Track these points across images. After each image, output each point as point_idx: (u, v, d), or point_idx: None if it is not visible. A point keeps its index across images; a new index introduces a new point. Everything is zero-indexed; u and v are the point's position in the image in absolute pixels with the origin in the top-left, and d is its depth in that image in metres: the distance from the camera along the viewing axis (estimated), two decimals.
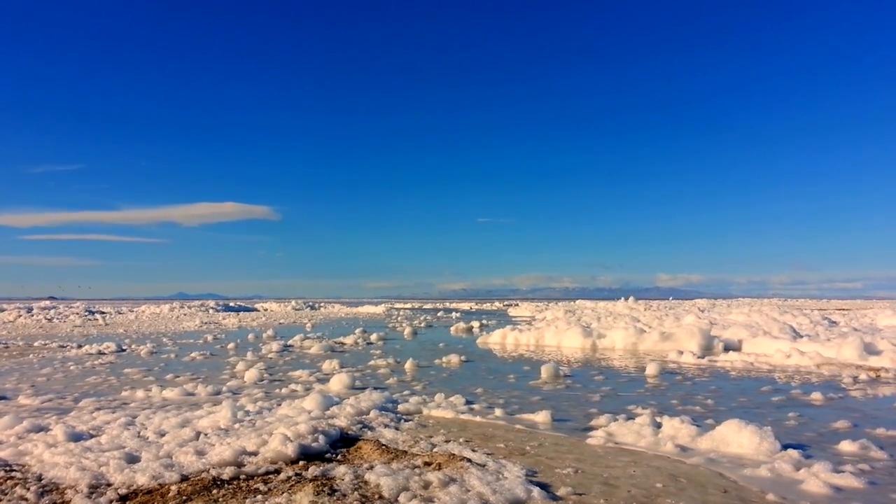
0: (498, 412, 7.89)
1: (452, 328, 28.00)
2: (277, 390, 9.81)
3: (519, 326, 22.03)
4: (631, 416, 7.34)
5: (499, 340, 19.76)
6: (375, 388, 9.48)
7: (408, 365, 12.62)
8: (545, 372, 11.30)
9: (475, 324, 29.42)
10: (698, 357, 14.41)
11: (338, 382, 9.80)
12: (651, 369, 11.70)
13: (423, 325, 32.98)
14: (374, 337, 21.26)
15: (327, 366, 12.76)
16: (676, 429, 6.41)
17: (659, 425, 6.67)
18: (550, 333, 19.42)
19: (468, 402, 8.52)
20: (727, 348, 15.71)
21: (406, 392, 9.58)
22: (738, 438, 5.96)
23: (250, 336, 22.16)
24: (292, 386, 10.14)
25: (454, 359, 13.88)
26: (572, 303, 72.14)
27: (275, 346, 16.96)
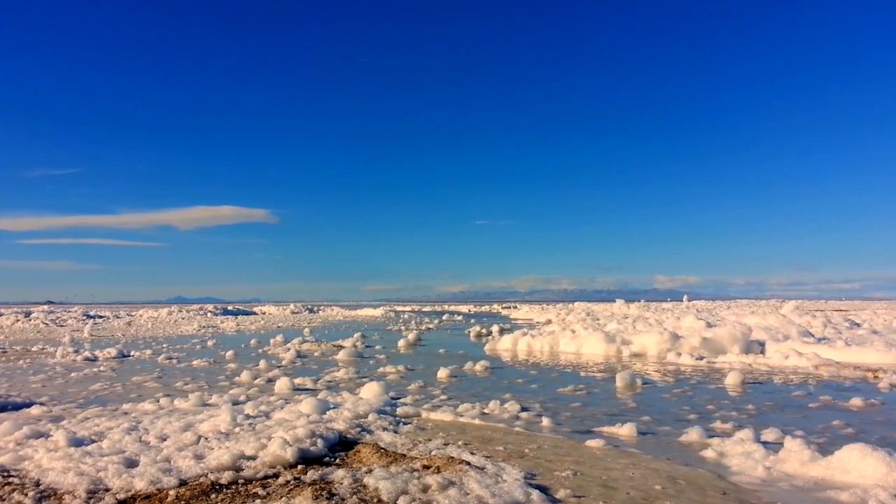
0: (564, 425, 7.40)
1: (472, 332, 26.26)
2: (299, 397, 9.25)
3: (531, 332, 20.42)
4: (715, 432, 6.91)
5: (509, 346, 18.44)
6: (413, 397, 9.27)
7: (441, 373, 12.00)
8: (620, 380, 10.66)
9: (495, 328, 27.24)
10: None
11: (369, 392, 9.22)
12: (732, 379, 10.90)
13: (424, 329, 32.08)
14: (397, 343, 20.72)
15: (342, 373, 12.30)
16: (788, 451, 5.59)
17: (768, 444, 6.12)
18: (566, 339, 17.99)
19: (523, 409, 8.21)
20: (761, 351, 15.17)
21: (449, 400, 9.10)
22: (860, 466, 5.09)
23: (253, 341, 21.63)
24: (322, 395, 9.30)
25: (479, 366, 13.26)
26: (570, 304, 72.08)
27: (286, 353, 16.26)
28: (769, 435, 6.59)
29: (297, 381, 11.19)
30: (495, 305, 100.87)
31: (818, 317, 25.14)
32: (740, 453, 5.83)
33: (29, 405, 8.73)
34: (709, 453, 5.96)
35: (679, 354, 15.02)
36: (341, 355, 16.06)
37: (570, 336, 18.24)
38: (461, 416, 7.85)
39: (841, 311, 42.90)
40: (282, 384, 10.39)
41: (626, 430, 6.96)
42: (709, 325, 18.92)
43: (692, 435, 6.66)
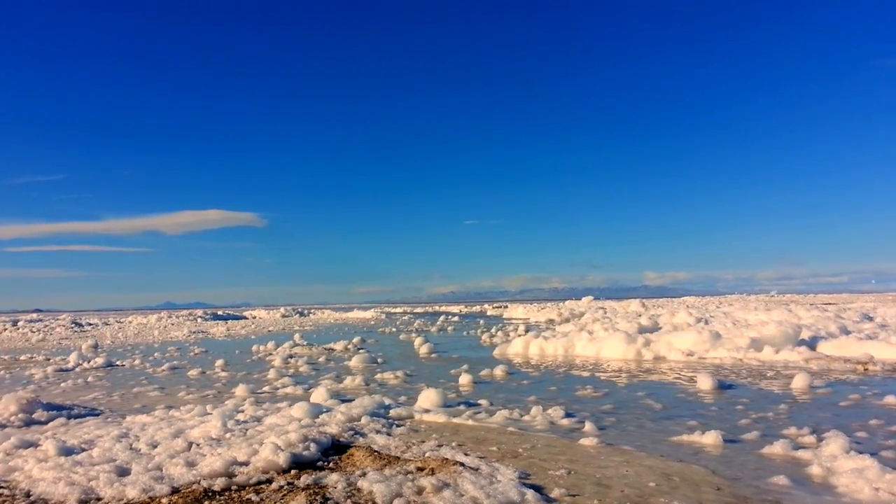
0: (628, 434, 6.81)
1: (485, 335, 24.19)
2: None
3: (544, 334, 18.94)
4: (797, 442, 6.21)
5: (520, 350, 16.84)
6: (470, 406, 8.65)
7: (463, 379, 11.29)
8: (705, 383, 9.88)
9: (521, 329, 25.23)
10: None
11: (426, 399, 8.63)
12: (799, 382, 9.89)
13: (435, 331, 30.38)
14: (402, 347, 20.23)
15: (349, 382, 11.47)
16: None
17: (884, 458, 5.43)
18: (584, 341, 16.40)
19: (567, 415, 7.73)
20: (811, 349, 14.12)
21: (491, 406, 8.61)
22: None
23: (254, 346, 20.75)
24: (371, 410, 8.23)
25: (499, 370, 12.46)
26: (562, 303, 72.13)
27: (299, 362, 15.31)
28: (854, 443, 5.92)
29: (330, 390, 9.89)
30: (486, 305, 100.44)
31: (828, 311, 23.42)
32: (851, 470, 5.04)
33: (97, 414, 8.69)
34: (815, 470, 5.22)
35: (720, 354, 14.25)
36: (354, 361, 15.02)
37: (588, 338, 16.70)
38: (457, 417, 7.80)
39: (830, 304, 43.18)
40: (318, 395, 9.28)
41: (710, 439, 6.24)
42: (704, 320, 18.95)
43: (776, 447, 5.93)
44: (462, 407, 8.59)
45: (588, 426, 7.03)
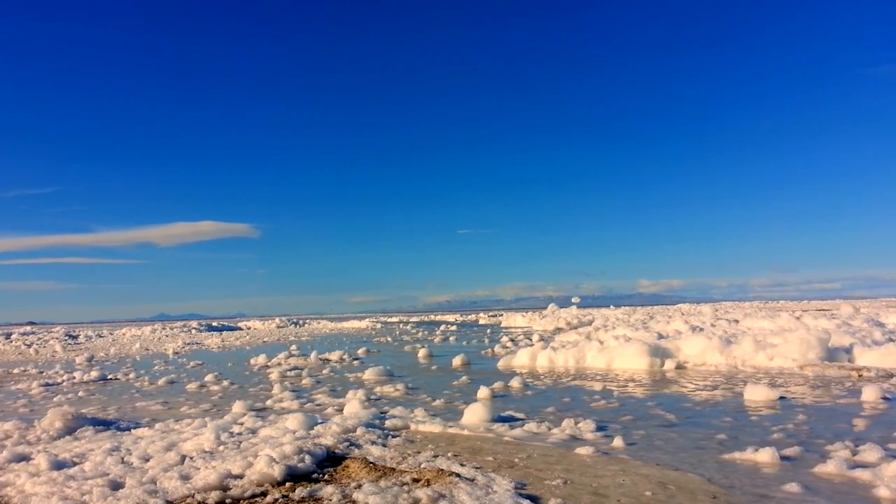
0: (672, 450, 6.45)
1: (496, 346, 22.58)
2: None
3: (552, 344, 18.07)
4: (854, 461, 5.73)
5: (527, 362, 15.88)
6: (516, 421, 8.16)
7: (481, 393, 10.70)
8: (759, 394, 9.44)
9: (536, 338, 23.97)
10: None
11: (472, 414, 8.16)
12: (869, 394, 9.22)
13: (439, 341, 29.46)
14: (406, 358, 20.08)
15: (349, 401, 10.32)
16: None
17: None
18: (594, 352, 15.60)
19: (599, 429, 7.44)
20: (848, 359, 13.58)
21: (528, 421, 8.08)
22: None
23: (254, 358, 20.03)
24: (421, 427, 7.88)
25: (515, 383, 11.79)
26: (557, 311, 71.88)
27: (302, 374, 14.86)
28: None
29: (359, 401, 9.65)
30: (481, 314, 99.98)
31: (834, 318, 22.40)
32: None
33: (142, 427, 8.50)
34: (882, 492, 4.81)
35: (736, 363, 13.98)
36: (367, 374, 14.35)
37: (599, 348, 15.91)
38: (451, 427, 7.74)
39: (823, 310, 43.27)
40: (351, 407, 9.02)
41: (765, 457, 5.85)
42: (699, 329, 18.89)
43: (828, 467, 5.50)
44: (505, 423, 8.02)
45: (618, 441, 6.71)
